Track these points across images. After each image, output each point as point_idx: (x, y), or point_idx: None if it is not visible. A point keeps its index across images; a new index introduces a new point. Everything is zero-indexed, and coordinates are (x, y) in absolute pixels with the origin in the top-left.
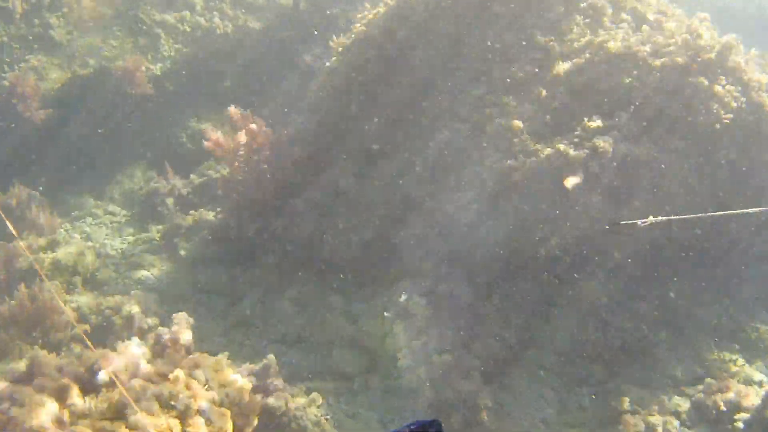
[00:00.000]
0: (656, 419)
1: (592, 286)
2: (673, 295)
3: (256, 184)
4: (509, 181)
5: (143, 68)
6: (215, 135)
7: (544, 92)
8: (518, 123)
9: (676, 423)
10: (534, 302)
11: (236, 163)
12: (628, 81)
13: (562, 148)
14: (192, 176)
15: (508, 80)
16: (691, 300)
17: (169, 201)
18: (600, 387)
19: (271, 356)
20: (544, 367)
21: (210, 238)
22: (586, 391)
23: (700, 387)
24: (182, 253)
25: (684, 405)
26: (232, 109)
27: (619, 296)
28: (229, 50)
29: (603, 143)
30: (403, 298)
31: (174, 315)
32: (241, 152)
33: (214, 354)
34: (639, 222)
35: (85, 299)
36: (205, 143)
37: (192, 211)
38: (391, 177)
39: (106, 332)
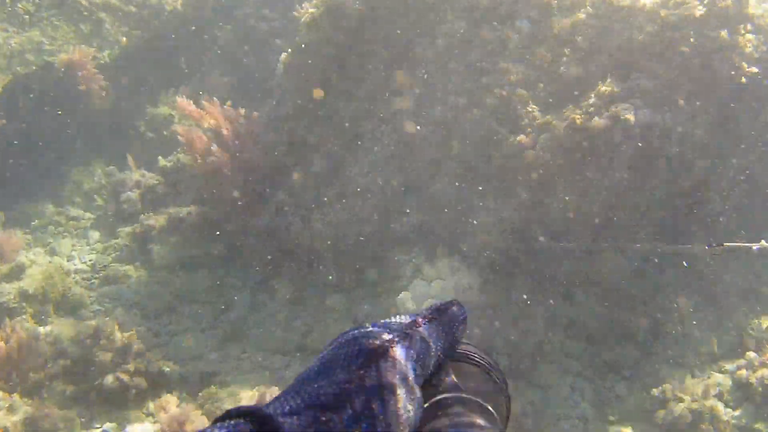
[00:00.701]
0: (700, 405)
1: (614, 259)
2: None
3: (228, 178)
4: (522, 162)
5: (90, 59)
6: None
7: (548, 55)
8: (523, 92)
9: (721, 407)
10: (554, 283)
11: (206, 156)
12: (640, 38)
13: (578, 120)
14: (159, 165)
15: (502, 42)
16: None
17: (136, 197)
18: (634, 370)
19: None
20: (573, 355)
21: (186, 238)
22: (621, 377)
23: (741, 362)
24: (158, 259)
25: (725, 383)
26: (180, 101)
27: (642, 266)
28: (182, 27)
29: (626, 113)
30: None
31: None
32: (211, 146)
33: (212, 373)
34: (754, 247)
35: (60, 329)
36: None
37: (162, 208)
38: (384, 161)
39: (87, 365)
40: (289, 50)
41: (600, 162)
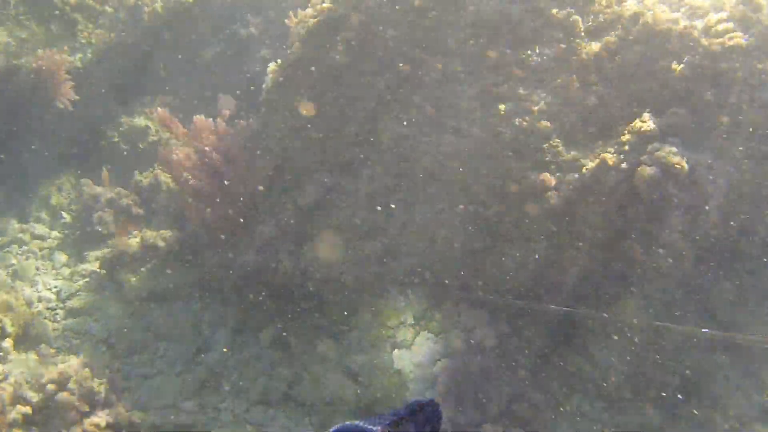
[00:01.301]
0: None
1: (630, 305)
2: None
3: (209, 203)
4: (544, 205)
5: (61, 62)
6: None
7: (575, 83)
8: (546, 123)
9: None
10: (563, 332)
11: (187, 175)
12: (678, 68)
13: (611, 161)
14: (134, 181)
15: (521, 67)
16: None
17: (108, 218)
18: None
19: None
20: (588, 417)
21: (161, 267)
22: None
23: None
24: (129, 289)
25: None
26: (161, 112)
27: (662, 316)
28: (161, 31)
29: (675, 157)
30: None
31: None
32: (190, 161)
33: (188, 426)
34: None
35: (20, 370)
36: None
37: (135, 231)
38: (383, 194)
39: (50, 413)
40: (279, 61)
41: (642, 215)
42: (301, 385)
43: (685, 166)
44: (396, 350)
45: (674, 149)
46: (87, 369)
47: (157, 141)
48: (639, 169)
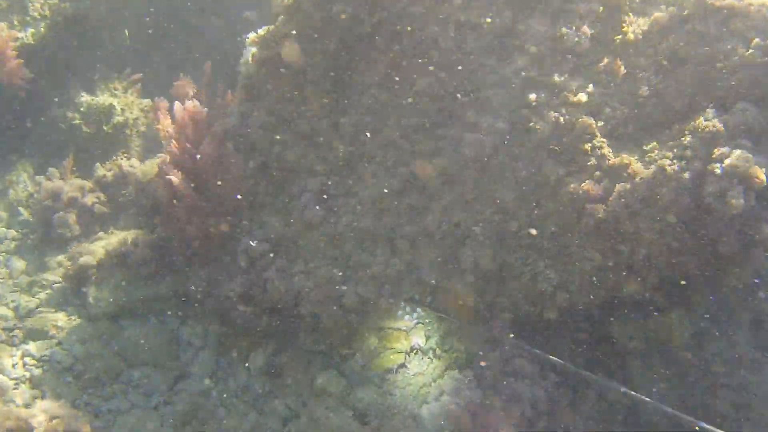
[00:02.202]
0: None
1: (672, 319)
2: None
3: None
4: (587, 220)
5: (10, 38)
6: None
7: (621, 67)
8: (588, 120)
9: None
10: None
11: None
12: (747, 53)
13: (668, 168)
14: (97, 174)
15: (554, 48)
16: None
17: (71, 221)
18: None
19: None
20: None
21: (131, 278)
22: None
23: None
24: (95, 305)
25: None
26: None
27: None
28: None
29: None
30: None
31: None
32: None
33: None
34: None
35: None
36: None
37: (101, 233)
38: (391, 199)
39: None
40: (262, 31)
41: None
42: (296, 423)
43: (764, 178)
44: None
45: (745, 155)
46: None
47: (123, 123)
48: (728, 201)
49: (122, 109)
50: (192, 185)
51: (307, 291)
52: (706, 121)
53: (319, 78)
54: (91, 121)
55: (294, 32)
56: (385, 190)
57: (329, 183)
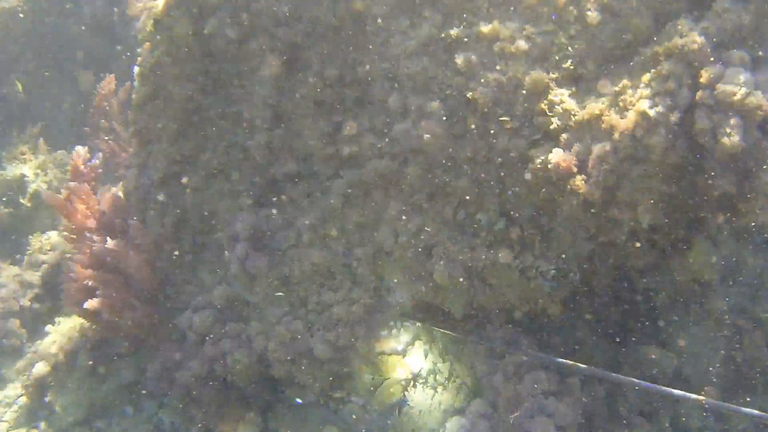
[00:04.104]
0: None
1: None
2: None
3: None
4: (569, 198)
5: None
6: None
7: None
8: (537, 73)
9: None
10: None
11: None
12: None
13: (651, 113)
14: (28, 259)
15: None
16: None
17: (16, 328)
18: None
19: None
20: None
21: (90, 374)
22: None
23: None
24: (63, 413)
25: None
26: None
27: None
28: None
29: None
30: None
31: None
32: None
33: None
34: None
35: None
36: None
37: (49, 326)
38: (333, 224)
39: None
40: (137, 68)
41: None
42: None
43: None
44: None
45: (745, 77)
46: None
47: (39, 190)
48: (721, 141)
49: (35, 174)
50: (109, 277)
51: (272, 352)
52: (682, 37)
53: (209, 100)
54: (5, 199)
55: (166, 58)
56: (324, 212)
57: (261, 218)
